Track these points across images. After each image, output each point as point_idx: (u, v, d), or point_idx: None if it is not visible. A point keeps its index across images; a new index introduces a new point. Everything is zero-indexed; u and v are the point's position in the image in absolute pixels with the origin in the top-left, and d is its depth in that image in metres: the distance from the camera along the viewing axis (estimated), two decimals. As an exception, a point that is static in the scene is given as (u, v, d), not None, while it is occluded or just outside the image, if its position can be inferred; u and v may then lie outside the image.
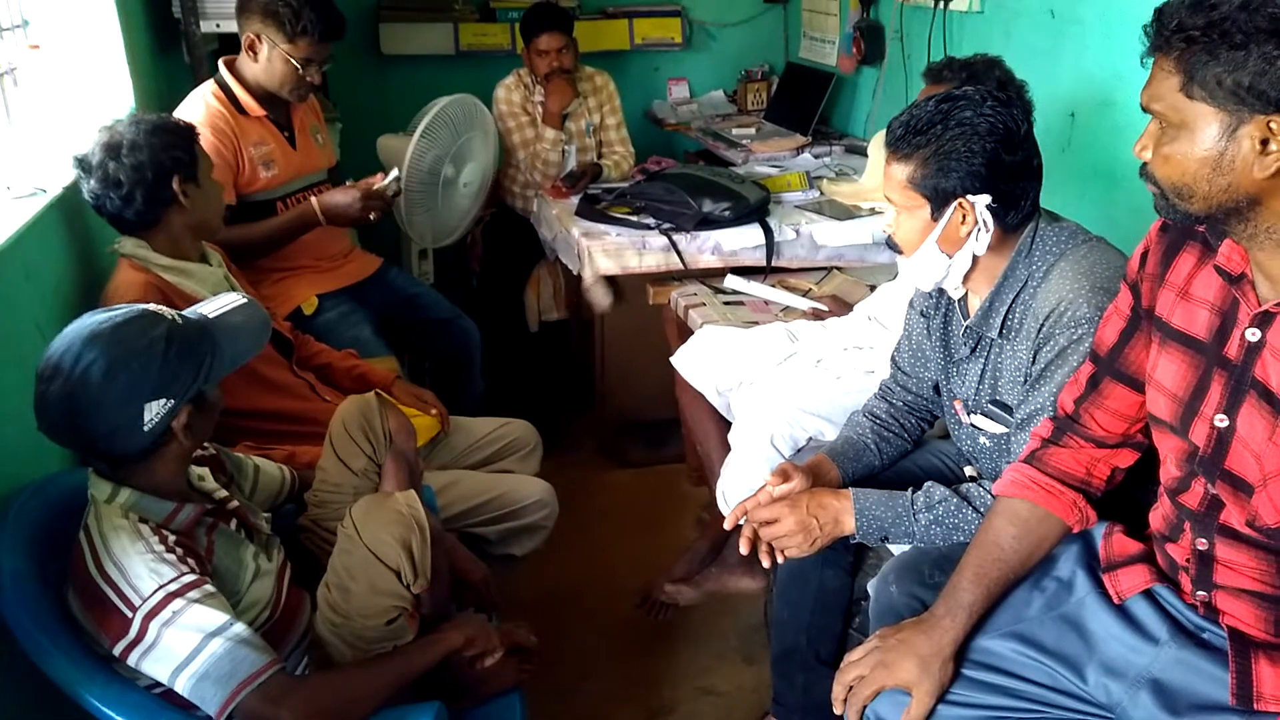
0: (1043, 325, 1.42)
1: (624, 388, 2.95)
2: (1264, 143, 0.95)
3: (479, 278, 3.43)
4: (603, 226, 2.80)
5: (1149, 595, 1.23)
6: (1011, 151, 1.38)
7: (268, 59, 2.26)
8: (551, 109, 3.16)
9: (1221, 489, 1.12)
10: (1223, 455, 1.11)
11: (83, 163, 1.72)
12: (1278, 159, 0.95)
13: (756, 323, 2.42)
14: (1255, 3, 0.92)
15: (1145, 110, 1.04)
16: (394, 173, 2.38)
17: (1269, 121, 0.94)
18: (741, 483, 1.93)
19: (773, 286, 2.63)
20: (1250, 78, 0.93)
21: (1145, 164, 1.06)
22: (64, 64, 2.17)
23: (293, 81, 2.29)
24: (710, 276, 2.72)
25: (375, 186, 2.33)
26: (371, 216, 2.32)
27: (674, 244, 2.70)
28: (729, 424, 2.15)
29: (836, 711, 1.34)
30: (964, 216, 1.41)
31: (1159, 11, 1.00)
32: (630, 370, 2.90)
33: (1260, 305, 1.05)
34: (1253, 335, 1.07)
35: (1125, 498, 1.36)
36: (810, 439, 1.92)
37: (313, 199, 2.30)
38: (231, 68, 2.31)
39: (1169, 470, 1.21)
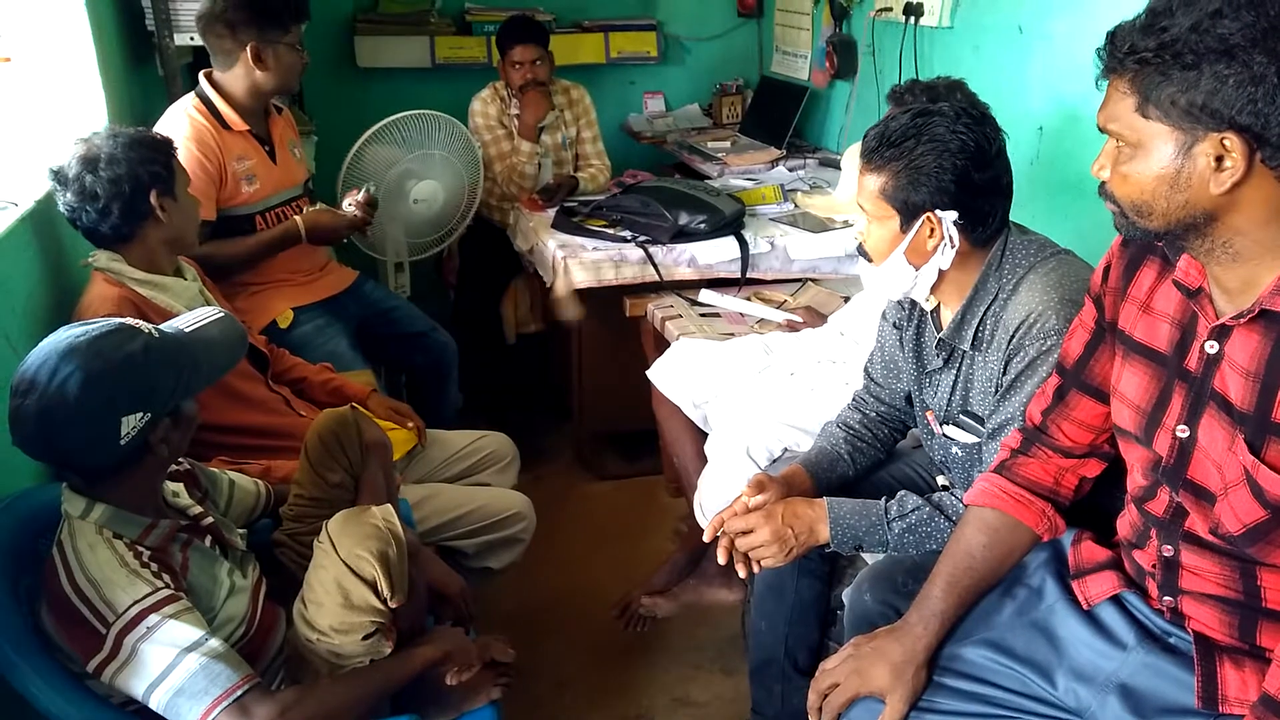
0: (1013, 337, 1.44)
1: (601, 400, 2.96)
2: (1219, 159, 0.97)
3: (456, 290, 3.43)
4: (579, 239, 2.81)
5: (1117, 601, 1.25)
6: (981, 169, 1.41)
7: (276, 59, 2.26)
8: (527, 121, 3.17)
9: (1185, 498, 1.14)
10: (1185, 465, 1.13)
11: (59, 175, 1.71)
12: (1232, 175, 0.97)
13: (732, 334, 2.44)
14: (1205, 24, 0.94)
15: (1102, 130, 1.07)
16: (368, 187, 2.44)
17: (1222, 139, 0.96)
18: (719, 494, 1.94)
19: (748, 299, 2.65)
20: (1203, 97, 0.95)
21: (1104, 183, 1.08)
22: (36, 76, 2.15)
23: (300, 66, 2.33)
24: (686, 288, 2.74)
25: (355, 199, 2.39)
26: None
27: (650, 256, 2.72)
28: (706, 436, 2.16)
29: (812, 719, 1.35)
30: (931, 230, 1.44)
31: (1111, 35, 1.02)
32: (607, 382, 2.91)
33: (1218, 319, 1.08)
34: (1211, 348, 1.09)
35: (1094, 506, 1.38)
36: (786, 450, 1.94)
37: (297, 219, 2.31)
38: (211, 80, 2.30)
39: (1135, 479, 1.23)
